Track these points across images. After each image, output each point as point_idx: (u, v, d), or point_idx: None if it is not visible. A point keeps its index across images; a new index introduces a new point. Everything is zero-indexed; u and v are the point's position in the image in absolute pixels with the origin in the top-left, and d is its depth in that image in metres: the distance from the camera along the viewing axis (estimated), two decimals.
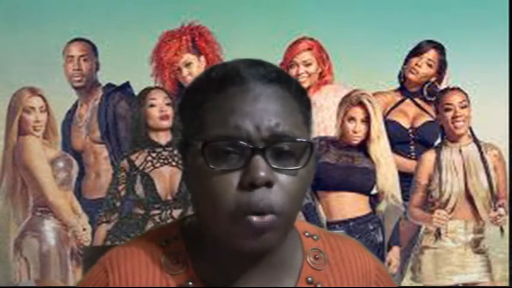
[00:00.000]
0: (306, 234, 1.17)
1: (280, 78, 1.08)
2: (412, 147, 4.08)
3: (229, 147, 1.03)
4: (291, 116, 1.05)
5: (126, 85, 4.23)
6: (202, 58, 4.12)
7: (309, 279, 1.13)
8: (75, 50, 4.28)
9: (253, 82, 1.06)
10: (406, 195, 3.79)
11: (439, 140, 3.90)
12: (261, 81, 1.06)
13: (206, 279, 1.10)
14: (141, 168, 3.64)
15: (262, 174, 1.01)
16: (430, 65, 4.13)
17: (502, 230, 3.73)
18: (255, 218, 1.01)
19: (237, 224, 1.02)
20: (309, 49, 4.08)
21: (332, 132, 3.81)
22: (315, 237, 1.17)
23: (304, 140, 1.04)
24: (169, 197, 3.63)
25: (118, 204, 3.68)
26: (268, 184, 1.02)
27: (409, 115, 4.15)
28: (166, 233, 1.14)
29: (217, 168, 1.02)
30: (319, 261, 1.14)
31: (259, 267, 1.09)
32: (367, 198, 3.68)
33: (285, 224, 1.05)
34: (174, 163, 3.64)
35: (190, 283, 1.09)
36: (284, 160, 1.03)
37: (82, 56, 4.27)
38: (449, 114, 3.75)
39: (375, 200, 3.69)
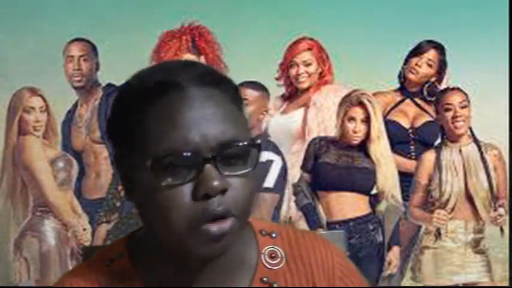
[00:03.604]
0: (263, 232, 1.15)
1: (215, 80, 1.05)
2: (412, 147, 4.08)
3: (179, 161, 1.00)
4: (232, 118, 1.03)
5: None
6: (202, 58, 4.12)
7: (264, 279, 1.11)
8: (75, 50, 4.28)
9: (190, 87, 1.02)
10: (406, 195, 3.79)
11: (439, 140, 3.90)
12: (197, 85, 1.03)
13: None
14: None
15: (215, 183, 0.99)
16: (430, 65, 4.13)
17: (502, 230, 3.74)
18: (213, 226, 1.00)
19: (194, 234, 1.01)
20: (309, 49, 4.08)
21: (332, 132, 3.81)
22: (273, 234, 1.15)
23: (251, 143, 1.03)
24: None
25: (118, 204, 3.68)
26: (223, 192, 1.00)
27: (409, 115, 4.15)
28: (111, 252, 1.12)
29: (168, 183, 1.00)
30: (275, 260, 1.13)
31: (210, 271, 1.08)
32: (367, 198, 3.68)
33: (242, 226, 1.04)
34: None
35: None
36: (234, 165, 1.02)
37: (82, 56, 4.27)
38: (449, 114, 3.75)
39: (375, 200, 3.69)
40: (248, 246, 1.13)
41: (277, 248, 1.14)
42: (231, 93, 1.06)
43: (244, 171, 1.02)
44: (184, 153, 0.99)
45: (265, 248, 1.13)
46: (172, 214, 1.00)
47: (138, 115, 1.03)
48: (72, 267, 1.17)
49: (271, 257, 1.13)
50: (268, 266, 1.12)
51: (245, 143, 1.02)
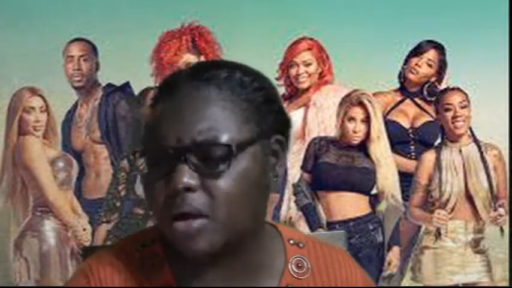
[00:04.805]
0: (291, 241, 1.16)
1: (223, 79, 1.07)
2: (412, 147, 4.08)
3: (156, 156, 1.05)
4: (222, 117, 1.04)
5: (126, 85, 4.23)
6: (202, 58, 4.12)
7: (290, 286, 1.13)
8: (75, 50, 4.27)
9: (185, 88, 1.06)
10: (406, 195, 3.79)
11: (439, 140, 3.90)
12: (194, 85, 1.06)
13: (183, 283, 1.10)
14: (141, 168, 3.64)
15: (182, 180, 1.01)
16: (430, 65, 4.13)
17: (502, 230, 3.73)
18: (179, 224, 1.03)
19: (168, 229, 1.04)
20: (309, 49, 4.07)
21: (332, 132, 3.81)
22: (300, 244, 1.17)
23: (218, 143, 1.03)
24: None
25: (118, 204, 3.68)
26: (190, 189, 1.02)
27: (409, 115, 4.15)
28: (144, 237, 1.15)
29: (149, 175, 1.06)
30: (301, 270, 1.14)
31: (235, 270, 1.10)
32: (367, 198, 3.68)
33: (223, 226, 1.04)
34: None
35: (166, 286, 1.10)
36: (210, 165, 1.03)
37: (82, 56, 4.26)
38: (449, 114, 3.75)
39: (375, 200, 3.69)
40: (277, 253, 1.14)
41: (304, 258, 1.15)
42: (240, 91, 1.07)
43: (216, 171, 1.03)
44: (160, 150, 1.04)
45: (293, 257, 1.15)
46: (153, 205, 1.06)
47: (149, 111, 1.09)
48: (93, 255, 1.17)
49: (298, 267, 1.15)
50: (294, 275, 1.14)
51: (217, 143, 1.03)
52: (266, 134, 1.07)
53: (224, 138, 1.03)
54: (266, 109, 1.08)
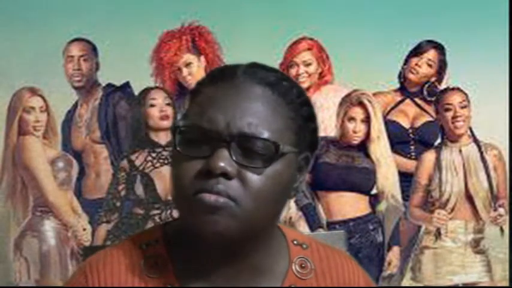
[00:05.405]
0: (295, 242, 1.17)
1: (276, 83, 1.09)
2: (412, 147, 4.08)
3: (198, 136, 1.05)
4: (270, 118, 1.06)
5: (126, 85, 4.23)
6: (202, 58, 4.12)
7: (293, 286, 1.14)
8: (75, 50, 4.27)
9: (242, 80, 1.08)
10: (406, 195, 3.79)
11: (439, 140, 3.90)
12: (251, 80, 1.08)
13: (185, 283, 1.10)
14: (141, 168, 3.64)
15: (220, 164, 1.02)
16: (430, 65, 4.13)
17: (502, 230, 3.73)
18: (206, 195, 1.03)
19: (190, 202, 1.04)
20: (309, 49, 4.07)
21: (332, 132, 3.81)
22: (304, 245, 1.18)
23: (266, 139, 1.05)
24: (169, 197, 3.63)
25: (118, 204, 3.68)
26: (226, 175, 1.03)
27: (409, 115, 4.15)
28: (148, 236, 1.15)
29: (184, 153, 1.05)
30: (305, 270, 1.15)
31: (238, 270, 1.10)
32: (367, 198, 3.68)
33: (246, 218, 1.04)
34: None
35: (168, 286, 1.10)
36: (251, 158, 1.04)
37: (82, 56, 4.26)
38: (449, 114, 3.75)
39: (375, 200, 3.69)
40: (281, 254, 1.15)
41: (308, 259, 1.16)
42: (290, 100, 1.09)
43: (257, 166, 1.04)
44: (204, 131, 1.04)
45: (296, 257, 1.16)
46: (178, 182, 1.06)
47: (194, 93, 1.11)
48: (94, 254, 1.17)
49: (302, 267, 1.15)
50: (297, 275, 1.15)
51: (263, 138, 1.04)
52: (300, 148, 1.11)
53: (273, 137, 1.05)
54: (306, 125, 1.13)
